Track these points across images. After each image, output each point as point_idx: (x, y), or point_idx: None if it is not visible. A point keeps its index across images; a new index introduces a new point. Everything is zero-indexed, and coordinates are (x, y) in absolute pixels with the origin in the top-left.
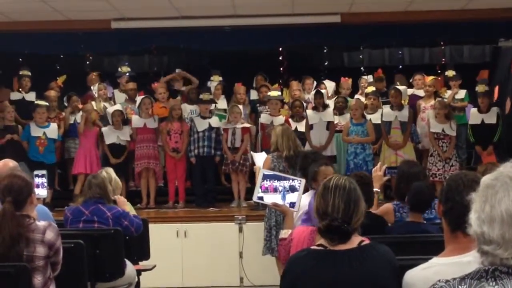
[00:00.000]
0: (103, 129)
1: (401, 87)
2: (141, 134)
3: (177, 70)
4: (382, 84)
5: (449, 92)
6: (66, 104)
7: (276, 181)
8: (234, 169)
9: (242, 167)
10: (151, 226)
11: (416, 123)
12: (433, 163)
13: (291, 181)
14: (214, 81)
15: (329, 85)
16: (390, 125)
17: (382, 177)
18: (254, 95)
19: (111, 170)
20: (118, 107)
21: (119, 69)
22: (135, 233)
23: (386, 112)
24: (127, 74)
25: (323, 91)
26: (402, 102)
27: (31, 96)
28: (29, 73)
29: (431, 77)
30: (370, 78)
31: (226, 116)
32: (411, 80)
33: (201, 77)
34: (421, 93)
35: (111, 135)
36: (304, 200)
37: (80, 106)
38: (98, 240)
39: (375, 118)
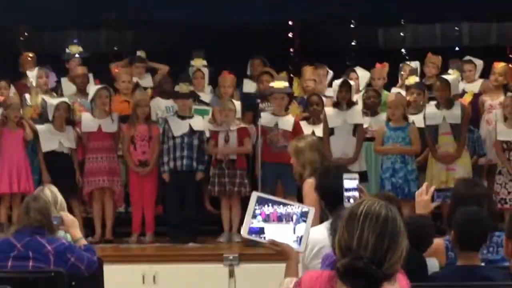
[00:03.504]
0: (39, 128)
1: (450, 77)
2: (94, 140)
3: (138, 53)
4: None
5: None
6: None
7: (281, 206)
8: (224, 191)
9: (236, 186)
10: (108, 268)
11: (479, 128)
12: (501, 184)
13: (297, 207)
14: (197, 66)
15: (362, 75)
16: (436, 130)
17: (430, 203)
18: (248, 86)
19: (55, 189)
20: (65, 99)
21: (68, 49)
22: (86, 273)
23: (430, 112)
24: (79, 55)
25: (352, 82)
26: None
27: None
28: None
29: (501, 64)
30: (415, 64)
31: (209, 111)
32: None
33: (179, 60)
34: (475, 86)
35: (50, 139)
36: (318, 235)
37: (1, 98)
38: (33, 285)
39: (420, 120)
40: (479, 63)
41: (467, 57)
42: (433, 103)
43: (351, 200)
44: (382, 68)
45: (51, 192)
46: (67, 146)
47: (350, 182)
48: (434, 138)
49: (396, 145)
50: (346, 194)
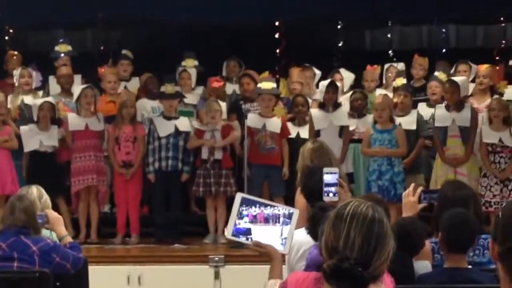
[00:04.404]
0: (22, 128)
1: (459, 79)
2: (81, 139)
3: (123, 51)
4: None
5: (510, 87)
6: None
7: (268, 207)
8: (209, 191)
9: (222, 186)
10: (92, 269)
11: None
12: (486, 186)
13: (282, 209)
14: (188, 67)
15: (347, 76)
16: (445, 132)
17: (417, 205)
18: (229, 88)
19: (41, 188)
20: (49, 99)
21: (56, 48)
22: (73, 270)
23: (440, 114)
24: (67, 54)
25: (338, 84)
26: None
27: None
28: None
29: (485, 66)
30: (401, 66)
31: (193, 113)
32: (451, 71)
33: (166, 60)
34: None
35: (31, 139)
36: (303, 236)
37: None
38: (18, 285)
39: (406, 122)
40: (474, 66)
41: (462, 60)
42: (424, 103)
43: (330, 195)
44: (374, 70)
45: (37, 189)
46: (47, 145)
47: (330, 177)
48: (443, 140)
49: (383, 147)
50: (325, 188)
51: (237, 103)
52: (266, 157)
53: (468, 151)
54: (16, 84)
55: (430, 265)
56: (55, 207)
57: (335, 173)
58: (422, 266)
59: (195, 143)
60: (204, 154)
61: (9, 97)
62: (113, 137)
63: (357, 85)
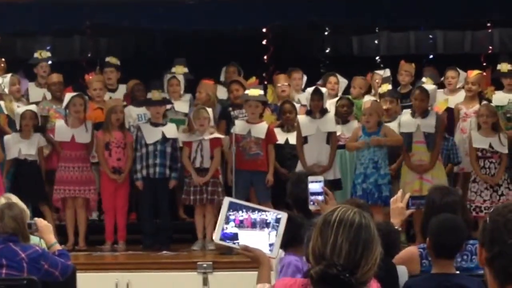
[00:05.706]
0: (6, 137)
1: (429, 87)
2: (67, 149)
3: (107, 58)
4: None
5: (498, 93)
6: None
7: (255, 212)
8: (197, 199)
9: (210, 195)
10: (81, 276)
11: (453, 135)
12: (476, 192)
13: (271, 214)
14: (177, 74)
15: (342, 81)
16: (411, 138)
17: (405, 211)
18: (222, 93)
19: (14, 197)
20: (32, 107)
21: (35, 55)
22: (61, 278)
23: (405, 120)
24: (47, 61)
25: (323, 90)
26: (429, 107)
27: None
28: None
29: (475, 72)
30: (385, 72)
31: (184, 121)
32: (442, 78)
33: (153, 67)
34: (459, 96)
35: (12, 147)
36: None
37: None
38: None
39: (394, 127)
40: (462, 73)
41: (451, 66)
42: (408, 111)
43: (316, 204)
44: (365, 80)
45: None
46: (24, 153)
47: (315, 185)
48: (408, 146)
49: (374, 137)
50: (311, 197)
51: (226, 110)
52: (250, 163)
53: (433, 157)
54: (7, 91)
55: (407, 271)
56: (39, 215)
57: (320, 181)
58: (399, 272)
59: (186, 166)
60: (198, 163)
61: (2, 103)
62: (103, 143)
63: (345, 91)
